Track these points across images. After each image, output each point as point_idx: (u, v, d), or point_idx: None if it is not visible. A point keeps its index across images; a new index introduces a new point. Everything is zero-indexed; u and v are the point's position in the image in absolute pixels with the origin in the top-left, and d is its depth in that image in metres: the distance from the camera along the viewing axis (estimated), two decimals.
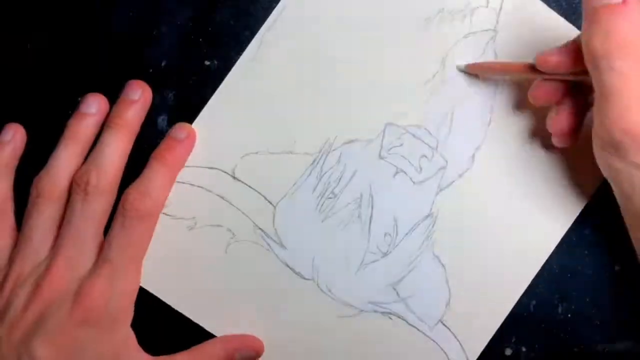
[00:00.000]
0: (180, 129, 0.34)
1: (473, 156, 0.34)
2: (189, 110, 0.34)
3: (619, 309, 0.35)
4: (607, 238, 0.34)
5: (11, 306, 0.31)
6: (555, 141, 0.32)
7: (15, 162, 0.34)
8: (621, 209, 0.29)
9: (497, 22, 0.34)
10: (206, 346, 0.33)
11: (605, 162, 0.28)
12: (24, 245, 0.32)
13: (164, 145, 0.33)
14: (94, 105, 0.33)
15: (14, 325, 0.30)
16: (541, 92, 0.31)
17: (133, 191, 0.32)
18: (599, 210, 0.34)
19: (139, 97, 0.33)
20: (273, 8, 0.34)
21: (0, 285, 0.32)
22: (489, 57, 0.34)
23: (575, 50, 0.28)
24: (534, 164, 0.34)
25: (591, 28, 0.26)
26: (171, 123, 0.34)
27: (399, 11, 0.34)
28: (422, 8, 0.34)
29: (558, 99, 0.31)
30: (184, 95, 0.34)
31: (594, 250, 0.34)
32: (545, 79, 0.30)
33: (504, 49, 0.34)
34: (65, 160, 0.33)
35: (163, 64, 0.35)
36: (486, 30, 0.34)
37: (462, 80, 0.34)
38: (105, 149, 0.32)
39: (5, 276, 0.32)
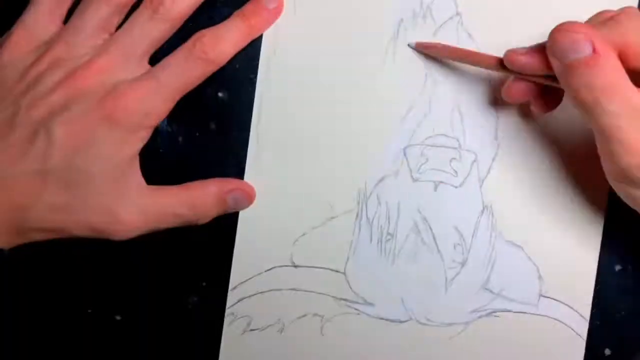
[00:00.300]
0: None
1: (496, 136, 0.34)
2: (189, 109, 0.34)
3: (619, 309, 0.35)
4: (607, 238, 0.34)
5: (41, 82, 0.31)
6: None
7: None
8: None
9: (456, 4, 0.34)
10: (201, 184, 0.33)
11: (623, 191, 0.28)
12: (71, 33, 0.32)
13: (251, 7, 0.33)
14: None
15: (38, 101, 0.31)
16: (514, 91, 0.31)
17: (208, 33, 0.32)
18: None
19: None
20: None
21: (35, 59, 0.32)
22: (464, 42, 0.34)
23: (545, 52, 0.28)
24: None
25: (572, 83, 0.26)
26: (171, 124, 0.35)
27: (362, 39, 0.34)
28: (384, 27, 0.34)
29: (533, 96, 0.31)
30: (183, 96, 0.33)
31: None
32: (516, 79, 0.30)
33: (475, 29, 0.34)
34: None
35: None
36: (451, 18, 0.34)
37: (452, 73, 0.34)
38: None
39: (43, 54, 0.32)
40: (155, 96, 0.31)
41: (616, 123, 0.26)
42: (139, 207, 0.32)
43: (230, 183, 0.34)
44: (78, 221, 0.31)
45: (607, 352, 0.35)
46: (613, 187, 0.29)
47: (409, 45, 0.34)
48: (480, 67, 0.32)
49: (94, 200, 0.31)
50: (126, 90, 0.31)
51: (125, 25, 0.32)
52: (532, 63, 0.28)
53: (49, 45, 0.32)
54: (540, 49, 0.28)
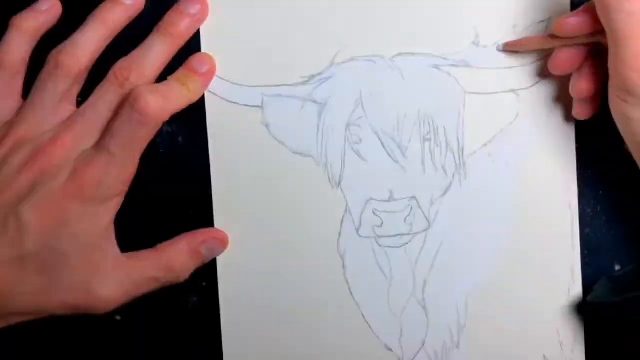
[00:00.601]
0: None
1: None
2: (190, 108, 0.34)
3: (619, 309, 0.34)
4: (607, 238, 0.34)
5: (6, 165, 0.31)
6: (576, 112, 0.32)
7: (42, 32, 0.34)
8: (636, 159, 0.30)
9: None
10: (172, 243, 0.34)
11: (621, 112, 0.28)
12: (31, 111, 0.32)
13: (186, 68, 0.33)
14: None
15: (5, 185, 0.31)
16: (561, 59, 0.31)
17: (144, 92, 0.31)
18: (599, 209, 0.34)
19: (195, 12, 0.33)
20: None
21: None
22: None
23: (590, 11, 0.29)
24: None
25: None
26: (171, 122, 0.34)
27: None
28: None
29: (578, 65, 0.31)
30: None
31: (594, 250, 0.34)
32: (565, 46, 0.31)
33: None
34: (90, 40, 0.32)
35: None
36: None
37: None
38: (150, 53, 0.33)
39: (5, 135, 0.32)
40: (113, 167, 0.31)
41: (629, 26, 0.26)
42: (115, 280, 0.32)
43: (200, 235, 0.34)
44: (57, 301, 0.31)
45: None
46: (614, 112, 0.29)
47: (497, 48, 0.33)
48: (535, 48, 0.33)
49: (71, 278, 0.31)
50: (87, 166, 0.31)
51: (90, 100, 0.32)
52: (579, 23, 0.29)
53: (10, 125, 0.32)
54: (583, 9, 0.29)
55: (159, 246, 0.34)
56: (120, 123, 0.31)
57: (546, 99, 0.34)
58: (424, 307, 0.35)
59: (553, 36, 0.31)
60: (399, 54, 0.34)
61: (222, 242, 0.35)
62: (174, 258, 0.33)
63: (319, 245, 0.35)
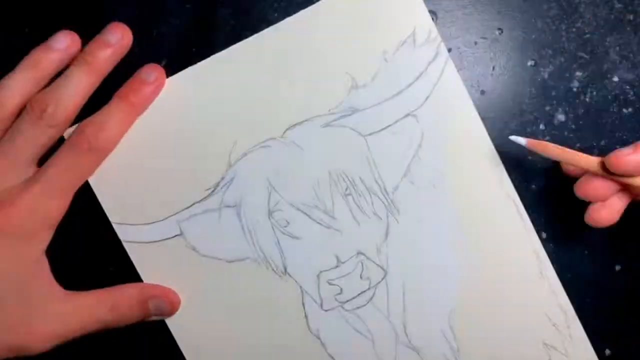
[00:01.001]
0: (148, 70, 0.33)
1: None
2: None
3: (619, 310, 0.35)
4: (607, 238, 0.34)
5: None
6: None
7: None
8: None
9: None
10: (125, 287, 0.33)
11: None
12: None
13: (130, 85, 0.33)
14: (63, 42, 0.32)
15: None
16: (593, 188, 0.29)
17: (89, 124, 0.32)
18: None
19: (115, 41, 0.33)
20: (274, 8, 0.34)
21: None
22: None
23: None
24: None
25: None
26: None
27: None
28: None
29: (610, 195, 0.29)
30: None
31: (594, 250, 0.34)
32: (608, 178, 0.29)
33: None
34: (19, 83, 0.32)
35: (163, 63, 0.34)
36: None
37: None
38: (69, 82, 0.32)
39: None
40: (47, 198, 0.31)
41: None
42: (54, 314, 0.31)
43: (155, 289, 0.34)
44: None
45: (607, 352, 0.35)
46: None
47: (513, 139, 0.31)
48: (575, 166, 0.30)
49: (7, 317, 0.30)
50: (14, 199, 0.30)
51: (7, 134, 0.32)
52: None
53: None
54: None
55: (109, 287, 0.33)
56: (64, 154, 0.31)
57: (443, 107, 0.34)
58: (414, 348, 0.35)
59: (603, 163, 0.28)
60: (288, 128, 0.34)
61: (172, 306, 0.34)
62: (122, 301, 0.33)
63: (292, 334, 0.34)
